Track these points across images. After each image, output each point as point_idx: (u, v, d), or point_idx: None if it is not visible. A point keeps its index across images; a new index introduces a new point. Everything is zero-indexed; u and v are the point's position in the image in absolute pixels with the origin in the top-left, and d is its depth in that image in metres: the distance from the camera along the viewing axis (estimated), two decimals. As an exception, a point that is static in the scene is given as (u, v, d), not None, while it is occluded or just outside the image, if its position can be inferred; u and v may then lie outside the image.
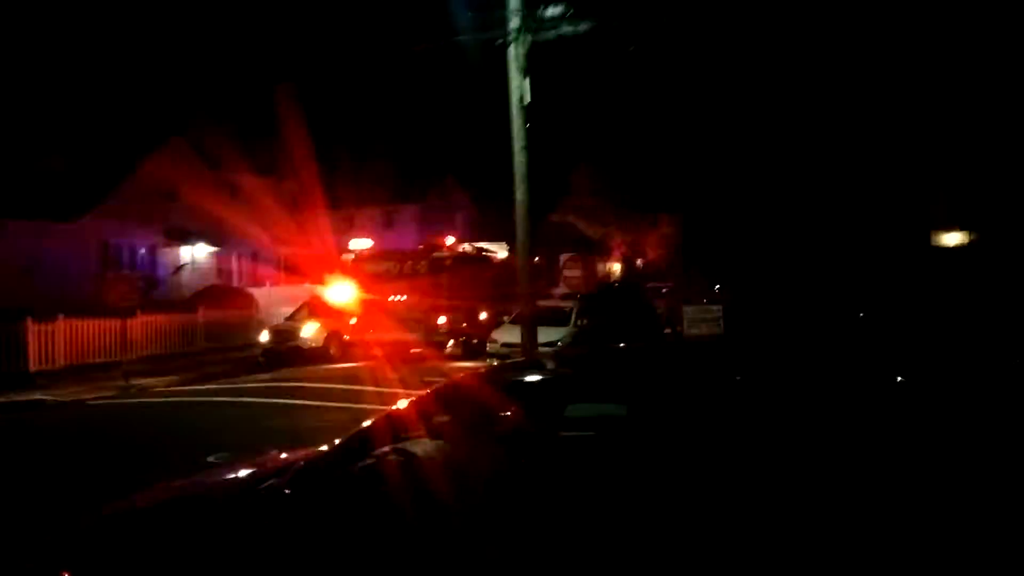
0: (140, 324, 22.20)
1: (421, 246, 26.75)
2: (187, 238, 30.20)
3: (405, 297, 23.32)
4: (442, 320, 22.93)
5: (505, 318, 21.74)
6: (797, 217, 18.21)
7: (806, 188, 19.51)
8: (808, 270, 17.24)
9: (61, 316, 20.26)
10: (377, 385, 17.29)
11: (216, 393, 17.40)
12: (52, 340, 20.01)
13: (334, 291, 24.91)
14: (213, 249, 31.57)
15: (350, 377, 18.68)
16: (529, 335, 15.52)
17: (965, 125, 23.48)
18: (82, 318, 20.87)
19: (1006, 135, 23.03)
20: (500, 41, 15.79)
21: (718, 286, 20.05)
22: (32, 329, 19.44)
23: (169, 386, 19.23)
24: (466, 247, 26.91)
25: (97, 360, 21.15)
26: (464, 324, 23.09)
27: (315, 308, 24.06)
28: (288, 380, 18.71)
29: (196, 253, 30.87)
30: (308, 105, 39.02)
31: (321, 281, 30.86)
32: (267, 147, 35.31)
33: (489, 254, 27.13)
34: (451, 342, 22.73)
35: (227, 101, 32.18)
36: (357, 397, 15.68)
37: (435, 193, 48.30)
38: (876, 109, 21.75)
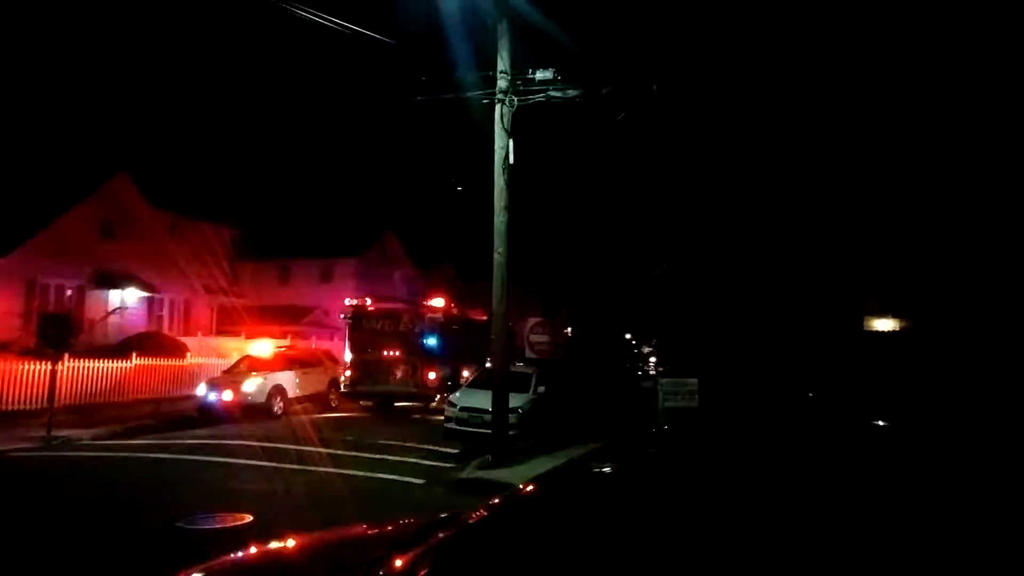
0: (67, 370, 20.66)
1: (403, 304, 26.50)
2: (118, 282, 28.63)
3: (398, 353, 23.96)
4: (432, 376, 23.59)
5: (462, 380, 21.15)
6: (756, 304, 18.45)
7: (761, 277, 19.89)
8: (765, 351, 17.48)
9: (-21, 356, 18.72)
10: (327, 446, 16.42)
11: (149, 449, 16.10)
12: (-32, 384, 18.41)
13: (275, 345, 23.93)
14: (145, 294, 29.99)
15: (299, 437, 17.68)
16: (500, 401, 14.89)
17: (898, 226, 24.94)
18: (3, 357, 19.33)
19: (931, 233, 24.54)
20: (487, 100, 15.60)
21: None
22: (-54, 370, 17.86)
23: (96, 439, 17.80)
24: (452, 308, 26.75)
25: (16, 407, 19.56)
26: (449, 382, 23.65)
27: (256, 361, 22.89)
28: (231, 438, 17.51)
29: (126, 297, 29.25)
30: (256, 149, 38.31)
31: (261, 334, 29.74)
32: (205, 189, 34.28)
33: (474, 317, 27.27)
34: (438, 397, 23.38)
35: (170, 138, 31.19)
36: (309, 458, 14.78)
37: (375, 248, 47.58)
38: (817, 209, 22.86)
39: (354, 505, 10.98)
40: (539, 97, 15.43)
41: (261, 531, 9.00)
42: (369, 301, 25.45)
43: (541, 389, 19.13)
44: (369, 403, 24.11)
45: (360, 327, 24.65)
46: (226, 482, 12.29)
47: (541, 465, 14.27)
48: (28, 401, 19.89)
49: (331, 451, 15.94)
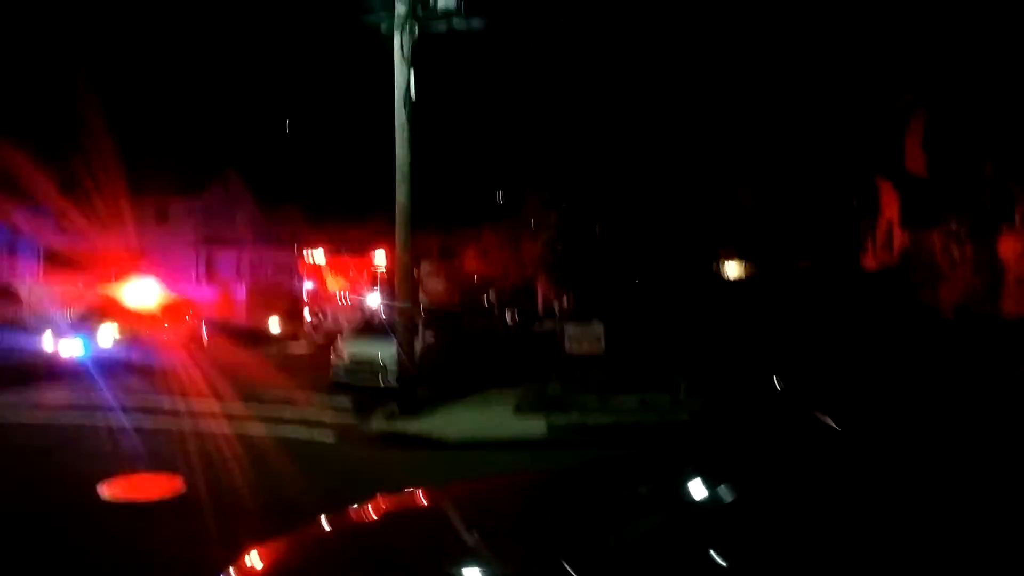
0: None
1: None
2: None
3: None
4: None
5: (345, 325, 20.17)
6: (638, 248, 18.50)
7: (641, 222, 19.98)
8: (647, 297, 17.56)
9: None
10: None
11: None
12: None
13: (135, 291, 21.82)
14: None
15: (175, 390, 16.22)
16: (407, 349, 14.23)
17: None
18: None
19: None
20: (384, 28, 14.54)
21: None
22: None
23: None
24: None
25: None
26: None
27: (107, 310, 20.79)
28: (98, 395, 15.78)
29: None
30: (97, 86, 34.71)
31: (103, 279, 27.18)
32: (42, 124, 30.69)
33: None
34: None
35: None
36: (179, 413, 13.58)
37: (216, 188, 44.67)
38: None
39: (279, 466, 10.13)
40: (442, 26, 14.58)
41: (192, 499, 8.07)
42: None
43: (428, 336, 18.54)
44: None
45: None
46: (119, 446, 11.00)
47: (457, 414, 13.85)
48: None
49: (220, 405, 14.69)
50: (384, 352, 17.39)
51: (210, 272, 43.45)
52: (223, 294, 36.65)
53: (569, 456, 10.73)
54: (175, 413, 13.63)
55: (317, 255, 51.43)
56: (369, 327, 19.31)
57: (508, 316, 25.08)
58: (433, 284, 20.69)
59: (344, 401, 15.90)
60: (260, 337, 29.29)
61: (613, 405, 13.34)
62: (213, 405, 14.65)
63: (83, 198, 34.81)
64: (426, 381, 16.67)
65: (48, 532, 7.03)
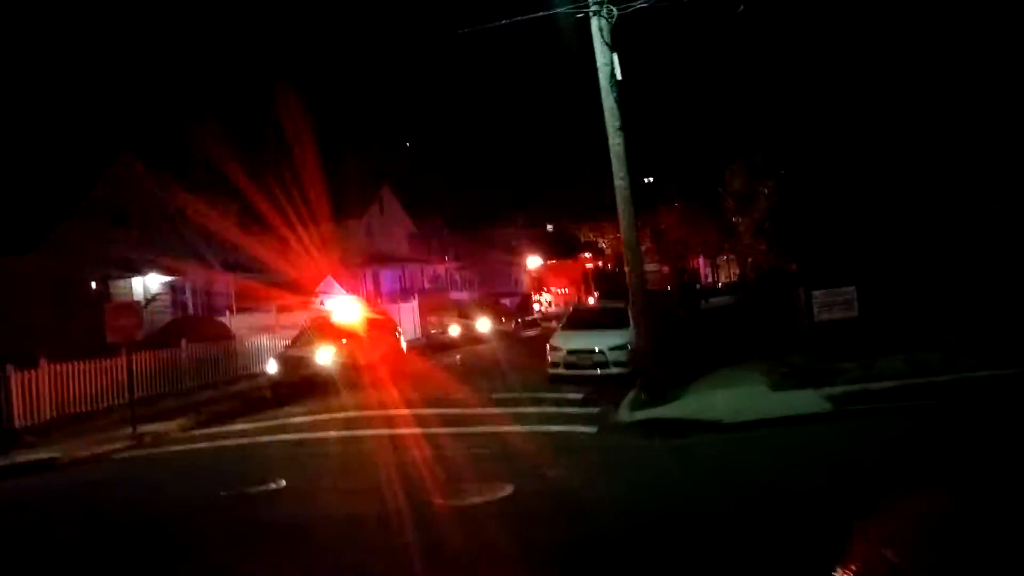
0: (126, 365, 19.16)
1: None
2: (140, 267, 26.95)
3: None
4: None
5: (555, 323, 20.18)
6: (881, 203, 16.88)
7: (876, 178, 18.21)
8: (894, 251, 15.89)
9: (43, 360, 17.20)
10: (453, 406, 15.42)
11: (258, 433, 14.92)
12: (36, 389, 16.96)
13: (341, 311, 22.54)
14: (167, 279, 28.34)
15: (407, 401, 16.61)
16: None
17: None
18: (65, 361, 17.80)
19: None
20: (582, 14, 14.31)
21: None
22: (15, 378, 16.35)
23: (185, 430, 16.53)
24: None
25: (81, 409, 18.15)
26: None
27: (323, 331, 21.56)
28: (331, 411, 16.31)
29: (148, 283, 27.59)
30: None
31: (293, 305, 28.45)
32: (208, 165, 32.39)
33: None
34: None
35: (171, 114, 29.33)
36: (456, 421, 13.74)
37: (374, 209, 46.00)
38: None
39: (570, 460, 10.08)
40: (641, 3, 14.21)
41: (523, 498, 8.00)
42: None
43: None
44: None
45: None
46: (400, 455, 11.19)
47: (706, 396, 13.42)
48: (90, 401, 18.46)
49: (468, 410, 14.91)
50: (603, 342, 17.30)
51: (376, 288, 44.80)
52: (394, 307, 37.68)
53: (866, 427, 10.29)
54: (436, 421, 13.85)
55: (531, 261, 53.99)
56: (582, 320, 19.16)
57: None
58: (648, 268, 20.26)
59: (575, 394, 15.82)
60: (448, 342, 29.90)
61: (879, 370, 12.55)
62: (465, 409, 14.90)
63: (268, 231, 36.63)
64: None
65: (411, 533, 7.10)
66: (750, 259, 21.05)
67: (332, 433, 13.64)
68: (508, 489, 8.27)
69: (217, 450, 13.64)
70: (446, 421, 13.77)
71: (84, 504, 10.19)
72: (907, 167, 15.37)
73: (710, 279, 57.68)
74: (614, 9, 14.20)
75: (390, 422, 14.15)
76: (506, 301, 44.58)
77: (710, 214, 31.60)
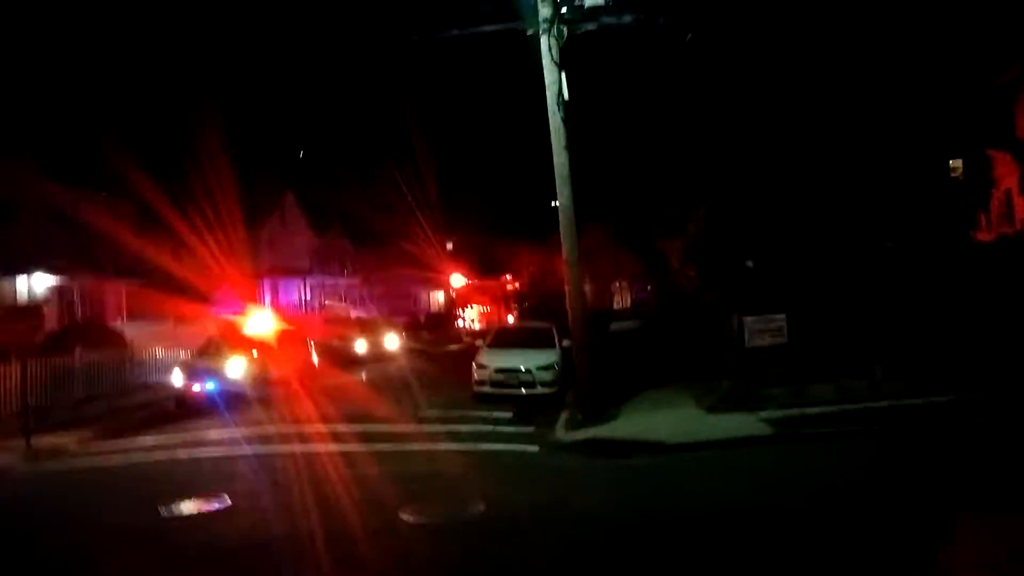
0: (16, 371, 17.67)
1: None
2: (24, 267, 25.13)
3: None
4: None
5: (479, 341, 19.99)
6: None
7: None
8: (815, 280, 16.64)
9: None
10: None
11: (173, 446, 14.01)
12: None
13: (250, 321, 21.62)
14: (54, 280, 26.54)
15: (329, 415, 16.03)
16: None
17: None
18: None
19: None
20: (531, 32, 14.33)
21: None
22: None
23: (85, 443, 15.36)
24: None
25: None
26: None
27: (232, 341, 20.61)
28: (250, 425, 15.55)
29: (33, 284, 25.75)
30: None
31: (191, 314, 27.21)
32: (104, 161, 30.64)
33: None
34: None
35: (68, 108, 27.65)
36: (384, 437, 13.32)
37: (276, 220, 44.68)
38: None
39: (523, 478, 9.92)
40: (590, 25, 14.34)
41: (494, 516, 7.76)
42: None
43: (566, 343, 18.26)
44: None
45: None
46: (341, 471, 10.72)
47: (644, 417, 13.53)
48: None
49: (396, 427, 14.48)
50: (531, 362, 17.27)
51: (274, 300, 43.45)
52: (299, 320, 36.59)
53: (804, 450, 10.56)
54: (365, 437, 13.37)
55: (454, 280, 54.15)
56: (508, 339, 19.06)
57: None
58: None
59: (503, 412, 15.66)
60: (355, 359, 29.15)
61: (810, 396, 12.98)
62: (392, 426, 14.48)
63: (154, 234, 34.83)
64: (567, 387, 16.43)
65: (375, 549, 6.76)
66: (681, 283, 21.62)
67: (258, 448, 12.97)
68: (480, 506, 8.03)
69: (132, 466, 12.69)
70: (376, 438, 13.33)
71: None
72: (829, 206, 16.19)
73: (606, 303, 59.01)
74: (564, 29, 14.29)
75: (317, 438, 13.61)
76: (413, 318, 44.19)
77: (634, 238, 32.33)
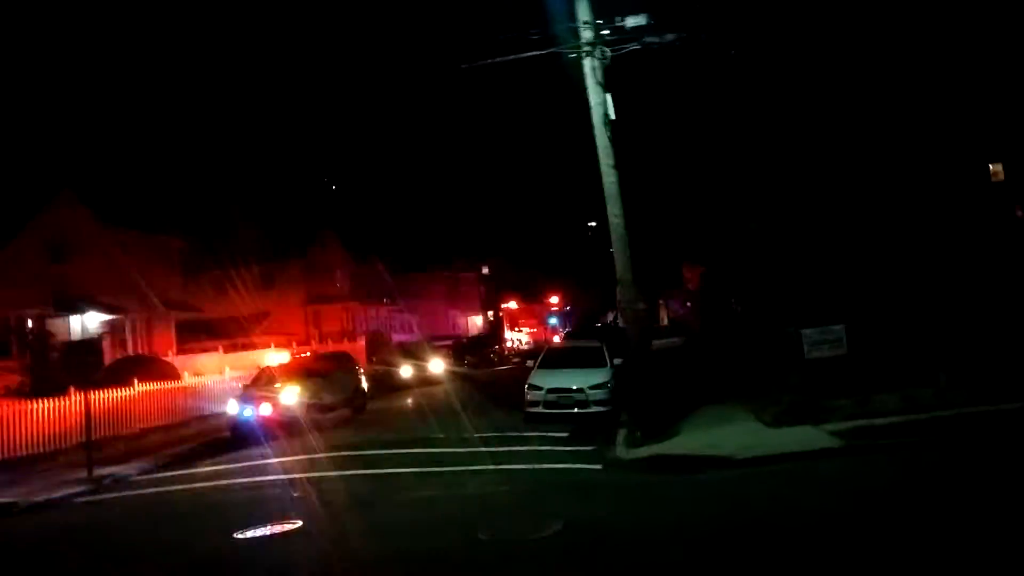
0: (74, 404, 18.04)
1: None
2: (77, 305, 25.68)
3: None
4: None
5: (530, 362, 19.98)
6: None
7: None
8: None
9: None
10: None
11: (234, 474, 14.14)
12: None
13: (298, 355, 21.92)
14: (107, 317, 27.08)
15: (394, 440, 16.10)
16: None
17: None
18: (14, 400, 16.69)
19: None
20: (574, 55, 14.41)
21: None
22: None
23: (145, 473, 15.61)
24: None
25: (27, 452, 16.97)
26: None
27: (286, 370, 20.86)
28: (310, 452, 15.65)
29: (87, 322, 26.29)
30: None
31: (238, 346, 27.65)
32: (153, 201, 31.41)
33: None
34: None
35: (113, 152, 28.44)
36: (452, 459, 13.34)
37: (315, 249, 45.18)
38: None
39: (593, 498, 9.84)
40: (634, 45, 14.39)
41: (575, 533, 7.70)
42: None
43: (617, 361, 18.18)
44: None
45: None
46: (411, 493, 10.75)
47: (703, 433, 13.38)
48: (37, 444, 17.30)
49: (457, 449, 14.50)
50: (584, 381, 17.24)
51: (319, 328, 43.86)
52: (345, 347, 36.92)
53: (878, 462, 10.36)
54: (429, 460, 13.43)
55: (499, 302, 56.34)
56: (559, 359, 19.05)
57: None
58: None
59: (559, 432, 15.60)
60: (401, 383, 29.30)
61: (874, 406, 12.75)
62: (454, 448, 14.53)
63: (209, 270, 35.50)
64: (621, 404, 16.31)
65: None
66: (730, 300, 21.52)
67: (321, 472, 13.05)
68: (557, 524, 7.98)
69: (196, 494, 12.84)
70: (436, 460, 13.39)
71: (79, 550, 9.41)
72: (870, 215, 15.97)
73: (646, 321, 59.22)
74: (607, 50, 14.35)
75: (378, 462, 13.66)
76: (456, 341, 44.44)
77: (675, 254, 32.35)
